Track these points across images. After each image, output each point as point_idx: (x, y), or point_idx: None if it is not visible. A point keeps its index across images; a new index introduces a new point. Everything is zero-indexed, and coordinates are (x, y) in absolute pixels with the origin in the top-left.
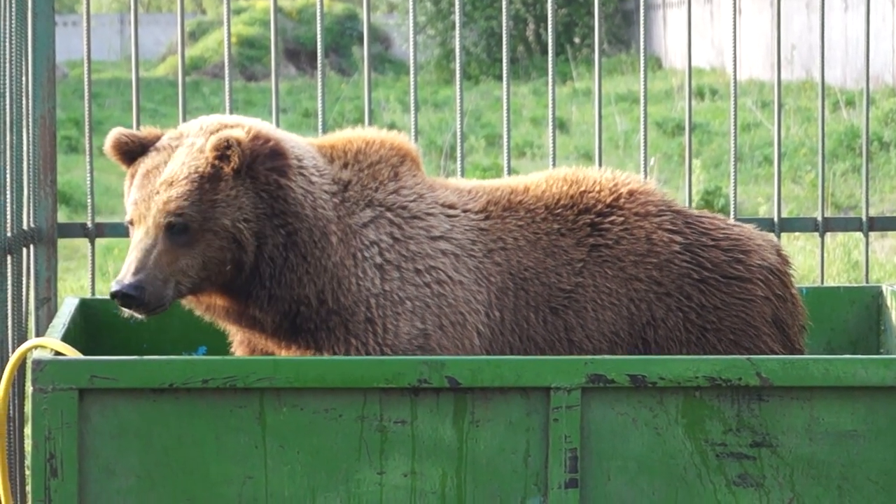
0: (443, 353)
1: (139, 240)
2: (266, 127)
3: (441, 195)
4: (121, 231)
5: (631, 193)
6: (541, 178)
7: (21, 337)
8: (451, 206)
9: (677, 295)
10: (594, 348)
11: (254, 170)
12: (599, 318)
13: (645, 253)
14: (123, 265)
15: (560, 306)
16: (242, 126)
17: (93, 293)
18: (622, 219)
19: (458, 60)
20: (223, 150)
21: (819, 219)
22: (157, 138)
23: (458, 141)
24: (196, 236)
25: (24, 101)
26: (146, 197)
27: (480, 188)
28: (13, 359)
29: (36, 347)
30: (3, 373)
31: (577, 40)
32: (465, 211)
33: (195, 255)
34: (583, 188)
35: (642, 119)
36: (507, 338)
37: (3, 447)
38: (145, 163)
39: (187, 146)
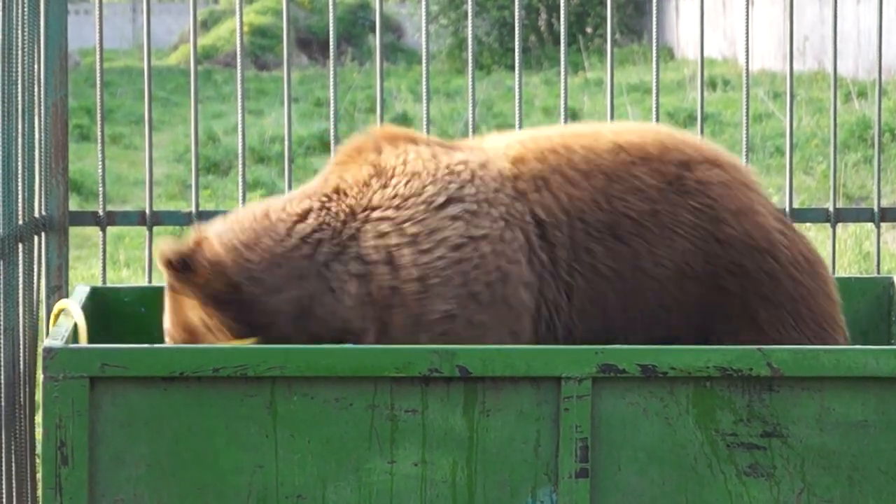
0: (476, 328)
1: None
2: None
3: (446, 159)
4: (132, 219)
5: (736, 167)
6: (621, 126)
7: (32, 325)
8: (460, 163)
9: (771, 257)
10: (663, 274)
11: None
12: (673, 246)
13: (746, 210)
14: None
15: (626, 233)
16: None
17: (104, 281)
18: (724, 174)
19: (470, 50)
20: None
21: (830, 209)
22: None
23: (470, 131)
24: None
25: (36, 89)
26: None
27: (523, 138)
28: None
29: (62, 311)
30: (14, 364)
31: (589, 30)
32: (484, 166)
33: None
34: (678, 140)
35: (654, 109)
36: (562, 278)
37: None
38: None
39: None
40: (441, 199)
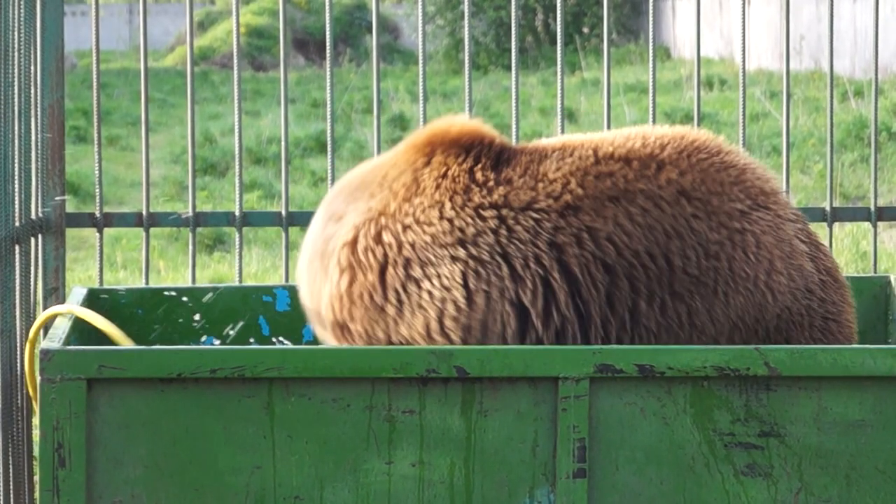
0: None
1: None
2: None
3: (479, 197)
4: (129, 221)
5: (774, 193)
6: (678, 152)
7: (29, 326)
8: (492, 206)
9: (803, 288)
10: (716, 331)
11: None
12: (729, 303)
13: (789, 254)
14: None
15: (684, 290)
16: None
17: (100, 283)
18: (770, 216)
19: (466, 50)
20: None
21: (827, 209)
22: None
23: None
24: None
25: (32, 91)
26: None
27: (583, 176)
28: (37, 323)
29: (56, 315)
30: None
31: (585, 30)
32: (525, 209)
33: None
34: (732, 178)
35: (651, 109)
36: (595, 331)
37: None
38: None
39: None
40: (449, 240)
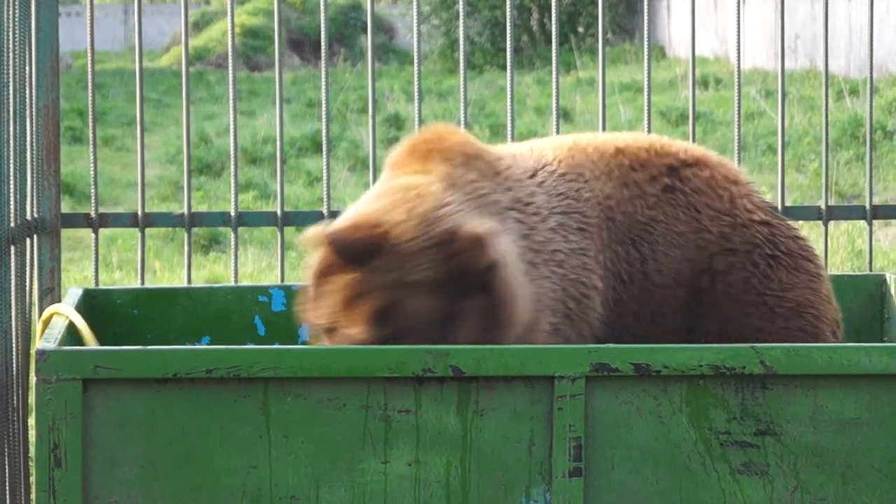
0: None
1: None
2: None
3: (518, 169)
4: (124, 221)
5: (722, 163)
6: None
7: (25, 327)
8: (535, 173)
9: (744, 257)
10: (662, 282)
11: None
12: (669, 254)
13: (724, 211)
14: None
15: (637, 237)
16: None
17: (96, 283)
18: (708, 174)
19: (461, 50)
20: None
21: (823, 207)
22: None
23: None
24: None
25: (27, 91)
26: None
27: (538, 144)
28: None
29: (54, 314)
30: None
31: (581, 30)
32: (542, 167)
33: None
34: (666, 144)
35: (646, 108)
36: (610, 281)
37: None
38: None
39: None
40: (545, 212)
